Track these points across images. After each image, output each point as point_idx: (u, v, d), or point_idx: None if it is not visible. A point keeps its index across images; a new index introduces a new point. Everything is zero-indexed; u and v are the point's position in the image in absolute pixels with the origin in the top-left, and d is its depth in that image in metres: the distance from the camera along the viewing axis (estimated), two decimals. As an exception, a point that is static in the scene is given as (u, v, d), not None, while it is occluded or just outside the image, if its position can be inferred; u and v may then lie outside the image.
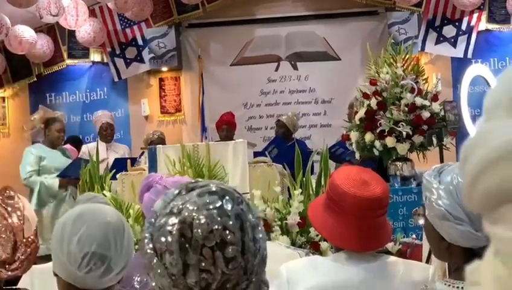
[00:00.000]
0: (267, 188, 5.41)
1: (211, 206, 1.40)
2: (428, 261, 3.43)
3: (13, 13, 8.81)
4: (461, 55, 9.49)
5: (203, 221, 1.38)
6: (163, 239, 1.40)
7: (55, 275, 2.13)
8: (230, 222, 1.39)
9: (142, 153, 7.02)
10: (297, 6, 10.32)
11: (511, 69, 0.93)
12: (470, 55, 9.47)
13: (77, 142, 9.03)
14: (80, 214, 2.10)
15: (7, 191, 2.69)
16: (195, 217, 1.39)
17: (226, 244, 1.38)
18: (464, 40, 9.47)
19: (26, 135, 8.82)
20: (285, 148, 7.88)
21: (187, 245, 1.38)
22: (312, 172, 5.71)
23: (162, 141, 8.79)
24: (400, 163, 6.17)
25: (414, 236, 5.51)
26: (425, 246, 5.14)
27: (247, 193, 5.50)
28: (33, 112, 9.01)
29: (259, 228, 1.46)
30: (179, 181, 3.11)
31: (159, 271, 1.41)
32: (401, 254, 5.00)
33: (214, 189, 1.44)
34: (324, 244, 5.09)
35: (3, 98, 10.83)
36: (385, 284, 2.45)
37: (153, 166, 5.73)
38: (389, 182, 6.32)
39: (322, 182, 5.41)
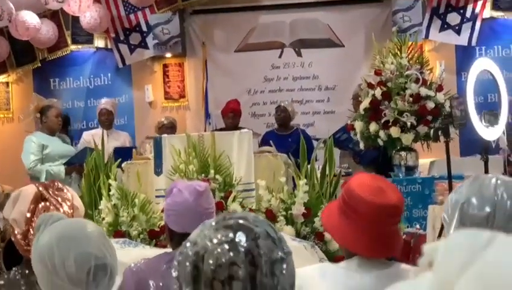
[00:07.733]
0: (272, 178, 5.42)
1: (223, 240, 1.40)
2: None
3: (17, -1, 8.82)
4: (465, 43, 9.46)
5: (212, 255, 1.38)
6: (182, 269, 1.42)
7: None
8: (239, 257, 1.38)
9: (143, 142, 6.96)
10: (302, -8, 10.29)
11: None
12: (474, 42, 9.45)
13: (65, 122, 8.90)
14: (60, 236, 2.10)
15: (55, 183, 2.85)
16: (206, 250, 1.40)
17: (233, 280, 1.37)
18: (468, 28, 9.43)
19: (22, 123, 8.79)
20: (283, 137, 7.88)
21: (199, 278, 1.39)
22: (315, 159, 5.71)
23: (173, 126, 8.81)
24: (404, 153, 6.20)
25: (418, 226, 5.54)
26: (429, 236, 5.18)
27: (252, 182, 5.53)
28: (37, 97, 9.02)
29: (283, 264, 1.44)
30: (191, 184, 3.07)
31: None
32: (405, 244, 5.02)
33: (230, 223, 1.44)
34: (328, 235, 5.12)
35: (7, 83, 10.84)
36: None
37: (158, 155, 5.73)
38: (393, 171, 6.35)
39: (327, 172, 5.43)
